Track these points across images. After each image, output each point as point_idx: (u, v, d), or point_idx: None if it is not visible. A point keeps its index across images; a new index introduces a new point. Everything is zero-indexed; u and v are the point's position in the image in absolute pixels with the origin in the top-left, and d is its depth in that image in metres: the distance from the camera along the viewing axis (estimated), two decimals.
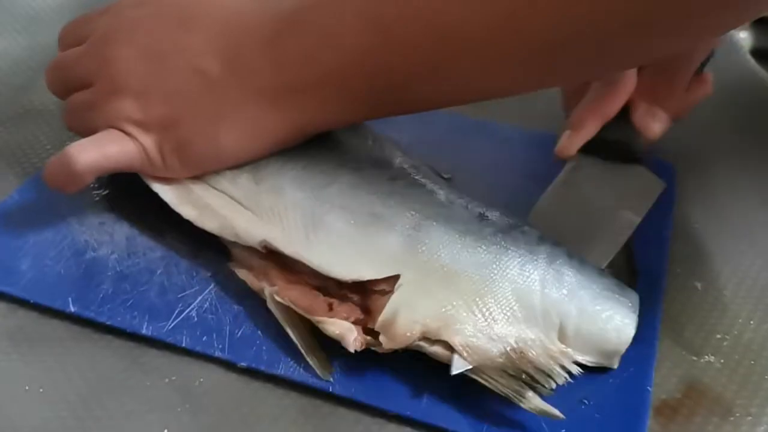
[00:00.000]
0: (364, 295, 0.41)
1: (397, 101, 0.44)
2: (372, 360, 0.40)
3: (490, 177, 0.53)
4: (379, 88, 0.42)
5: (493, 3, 0.38)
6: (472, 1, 0.39)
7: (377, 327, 0.39)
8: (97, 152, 0.44)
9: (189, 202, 0.45)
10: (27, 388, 0.39)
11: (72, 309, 0.42)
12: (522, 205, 0.50)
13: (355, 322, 0.40)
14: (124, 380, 0.40)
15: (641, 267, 0.47)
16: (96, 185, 0.49)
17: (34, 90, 0.57)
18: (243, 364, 0.40)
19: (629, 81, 0.50)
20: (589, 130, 0.50)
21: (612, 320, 0.41)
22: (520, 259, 0.42)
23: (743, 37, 0.72)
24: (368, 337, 0.40)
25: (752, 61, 0.67)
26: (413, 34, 0.40)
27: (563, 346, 0.40)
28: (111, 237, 0.46)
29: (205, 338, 0.41)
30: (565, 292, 0.41)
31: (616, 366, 0.41)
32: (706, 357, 0.43)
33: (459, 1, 0.39)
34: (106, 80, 0.45)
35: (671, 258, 0.48)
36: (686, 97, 0.53)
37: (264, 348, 0.41)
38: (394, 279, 0.40)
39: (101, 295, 0.42)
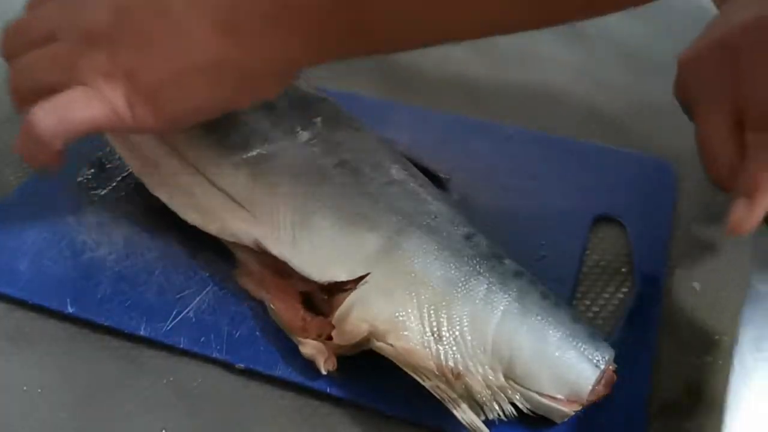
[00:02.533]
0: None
1: (367, 36, 0.40)
2: (370, 361, 0.40)
3: (489, 177, 0.53)
4: (346, 17, 0.39)
5: None
6: None
7: (333, 321, 0.39)
8: (60, 113, 0.41)
9: (191, 206, 0.44)
10: (25, 388, 0.39)
11: (70, 309, 0.42)
12: (521, 205, 0.50)
13: (328, 338, 0.40)
14: (122, 381, 0.40)
15: (640, 267, 0.47)
16: (94, 185, 0.49)
17: None
18: (241, 364, 0.40)
19: None
20: None
21: (569, 371, 0.38)
22: (488, 287, 0.40)
23: None
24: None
25: None
26: None
27: (504, 381, 0.38)
28: (109, 237, 0.46)
29: (203, 339, 0.41)
30: (524, 329, 0.39)
31: (558, 422, 0.39)
32: (705, 357, 0.43)
33: None
34: (71, 33, 0.43)
35: (670, 258, 0.48)
36: None
37: (262, 349, 0.41)
38: (361, 278, 0.40)
39: (99, 296, 0.43)
